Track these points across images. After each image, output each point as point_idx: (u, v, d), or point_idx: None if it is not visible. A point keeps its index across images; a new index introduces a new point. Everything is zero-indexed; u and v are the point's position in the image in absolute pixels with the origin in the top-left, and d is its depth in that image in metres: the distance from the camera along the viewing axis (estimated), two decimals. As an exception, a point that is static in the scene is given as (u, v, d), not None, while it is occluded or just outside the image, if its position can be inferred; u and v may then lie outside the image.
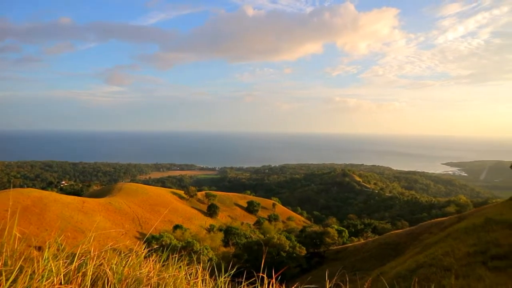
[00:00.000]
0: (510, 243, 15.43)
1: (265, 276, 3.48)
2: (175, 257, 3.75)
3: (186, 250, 37.69)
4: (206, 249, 42.78)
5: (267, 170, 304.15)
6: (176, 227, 63.10)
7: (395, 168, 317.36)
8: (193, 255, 4.65)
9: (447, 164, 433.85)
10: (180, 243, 44.38)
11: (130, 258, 3.48)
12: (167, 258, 3.71)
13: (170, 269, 3.53)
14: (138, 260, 3.50)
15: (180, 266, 3.64)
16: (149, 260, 3.61)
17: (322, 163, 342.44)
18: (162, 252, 3.87)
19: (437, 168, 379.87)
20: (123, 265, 3.33)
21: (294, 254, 48.44)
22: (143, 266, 3.47)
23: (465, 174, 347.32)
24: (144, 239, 42.60)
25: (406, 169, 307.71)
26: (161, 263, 3.67)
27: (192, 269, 3.68)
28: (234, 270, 3.60)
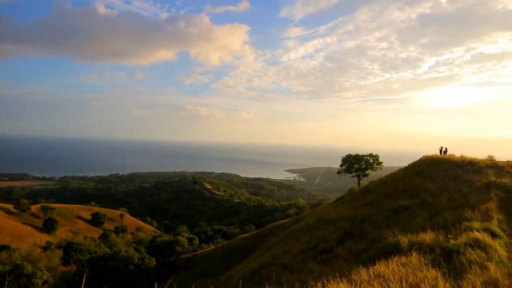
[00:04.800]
0: (334, 238, 17.88)
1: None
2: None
3: (13, 275, 32.88)
4: (40, 270, 37.95)
5: (114, 179, 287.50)
6: (2, 248, 54.50)
7: (243, 175, 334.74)
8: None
9: (289, 170, 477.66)
10: (6, 267, 38.37)
11: None
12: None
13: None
14: None
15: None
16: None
17: (173, 171, 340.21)
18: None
19: (281, 175, 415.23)
20: None
21: (144, 266, 46.87)
22: None
23: (303, 179, 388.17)
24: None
25: (253, 176, 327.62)
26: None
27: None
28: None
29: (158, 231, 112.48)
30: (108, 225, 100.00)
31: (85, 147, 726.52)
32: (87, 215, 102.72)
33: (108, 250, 57.88)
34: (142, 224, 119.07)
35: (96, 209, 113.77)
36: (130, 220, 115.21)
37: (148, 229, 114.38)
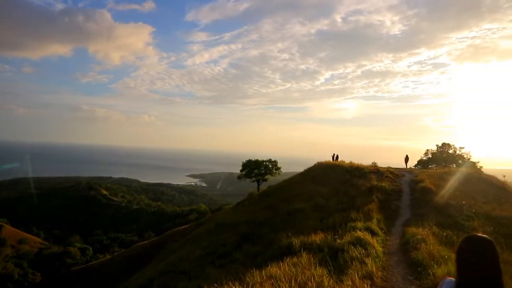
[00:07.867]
0: (232, 242, 18.21)
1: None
2: None
3: None
4: None
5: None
6: None
7: (143, 181, 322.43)
8: None
9: (190, 175, 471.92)
10: None
11: None
12: None
13: None
14: None
15: None
16: None
17: (65, 177, 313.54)
18: None
19: (182, 180, 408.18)
20: None
21: (26, 283, 42.44)
22: None
23: (205, 185, 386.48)
24: None
25: (153, 181, 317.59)
26: None
27: None
28: None
29: (46, 243, 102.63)
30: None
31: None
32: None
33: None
34: (27, 235, 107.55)
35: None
36: (11, 232, 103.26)
37: (34, 241, 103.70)
